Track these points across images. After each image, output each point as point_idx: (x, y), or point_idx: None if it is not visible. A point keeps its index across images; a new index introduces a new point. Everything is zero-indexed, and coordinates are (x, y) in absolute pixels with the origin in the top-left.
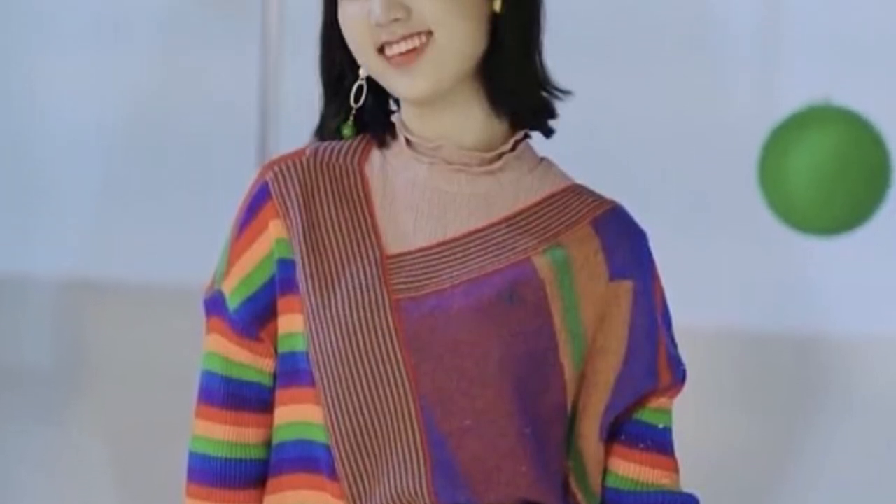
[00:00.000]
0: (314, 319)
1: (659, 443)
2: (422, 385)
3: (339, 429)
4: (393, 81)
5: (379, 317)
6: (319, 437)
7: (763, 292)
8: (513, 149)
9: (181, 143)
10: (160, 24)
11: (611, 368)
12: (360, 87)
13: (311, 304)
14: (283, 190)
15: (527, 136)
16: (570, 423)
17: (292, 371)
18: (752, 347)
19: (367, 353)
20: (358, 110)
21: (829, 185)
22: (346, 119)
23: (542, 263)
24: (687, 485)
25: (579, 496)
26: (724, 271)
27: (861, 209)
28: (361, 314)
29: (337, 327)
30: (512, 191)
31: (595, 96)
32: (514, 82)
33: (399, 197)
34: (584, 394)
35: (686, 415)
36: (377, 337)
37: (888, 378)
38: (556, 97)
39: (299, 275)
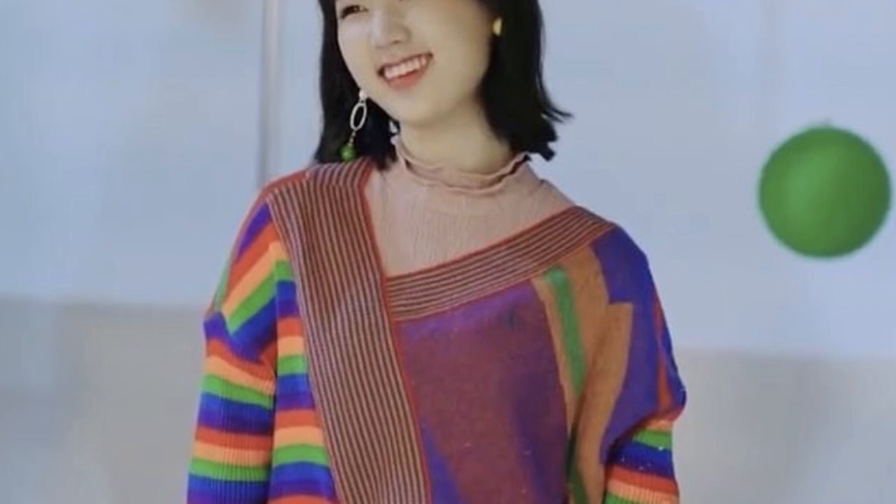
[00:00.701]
0: (314, 342)
1: (659, 465)
2: (422, 407)
3: (340, 451)
4: (393, 104)
5: (379, 339)
6: (319, 459)
7: (763, 314)
8: (513, 171)
9: (181, 166)
10: (160, 47)
11: (611, 391)
12: (360, 110)
13: (311, 327)
14: (283, 212)
15: (527, 158)
16: (571, 446)
17: (292, 393)
18: (752, 370)
19: (367, 375)
20: (358, 133)
21: (830, 208)
22: (346, 141)
23: (542, 286)
24: None
25: None
26: (724, 293)
27: (861, 231)
28: (361, 336)
29: (337, 350)
30: (512, 213)
31: (595, 119)
32: (514, 104)
33: (399, 219)
34: (584, 416)
35: (686, 437)
36: (377, 359)
37: (888, 400)
38: (556, 119)
39: (299, 297)
